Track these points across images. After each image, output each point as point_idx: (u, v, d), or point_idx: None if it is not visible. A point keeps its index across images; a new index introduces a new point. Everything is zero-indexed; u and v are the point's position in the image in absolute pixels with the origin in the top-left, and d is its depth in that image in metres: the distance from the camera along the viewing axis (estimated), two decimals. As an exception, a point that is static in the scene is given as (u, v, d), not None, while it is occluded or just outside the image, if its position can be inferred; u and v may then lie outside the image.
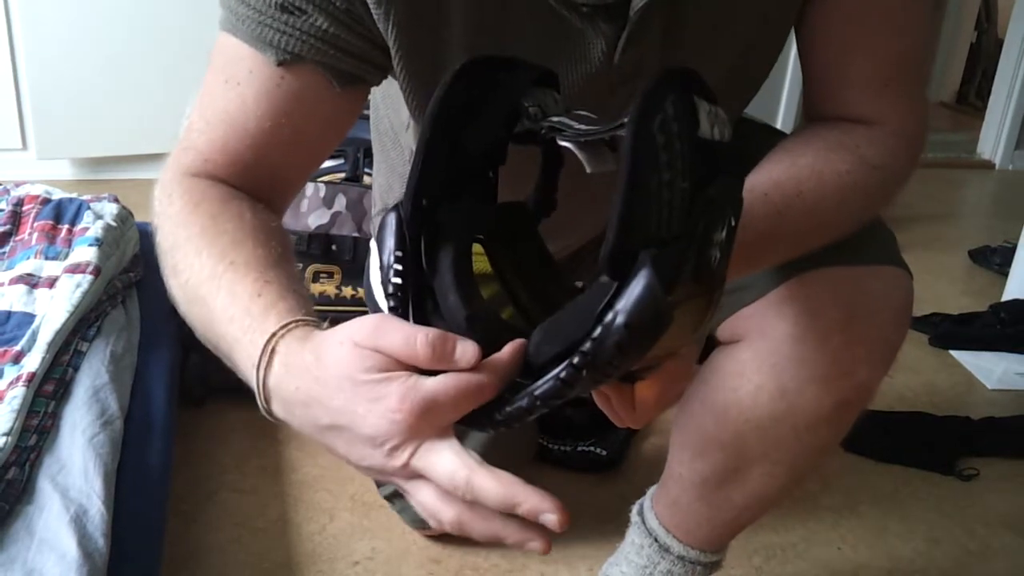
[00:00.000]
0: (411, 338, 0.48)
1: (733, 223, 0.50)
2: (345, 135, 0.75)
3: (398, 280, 0.53)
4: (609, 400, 0.57)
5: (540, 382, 0.47)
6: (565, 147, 0.54)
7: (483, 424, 0.49)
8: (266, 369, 0.54)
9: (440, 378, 0.47)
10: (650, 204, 0.44)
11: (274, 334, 0.54)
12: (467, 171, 0.57)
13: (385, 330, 0.49)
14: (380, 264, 0.54)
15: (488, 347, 0.51)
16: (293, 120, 0.68)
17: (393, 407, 0.47)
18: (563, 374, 0.45)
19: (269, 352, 0.54)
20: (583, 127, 0.52)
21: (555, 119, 0.54)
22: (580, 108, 0.56)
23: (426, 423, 0.47)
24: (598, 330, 0.44)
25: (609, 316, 0.44)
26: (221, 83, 0.68)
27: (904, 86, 0.75)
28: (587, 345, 0.44)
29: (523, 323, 0.57)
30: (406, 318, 0.53)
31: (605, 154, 0.52)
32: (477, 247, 0.57)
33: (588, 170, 0.53)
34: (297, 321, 0.55)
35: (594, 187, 0.57)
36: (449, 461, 0.47)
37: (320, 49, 0.66)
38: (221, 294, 0.59)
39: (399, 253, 0.53)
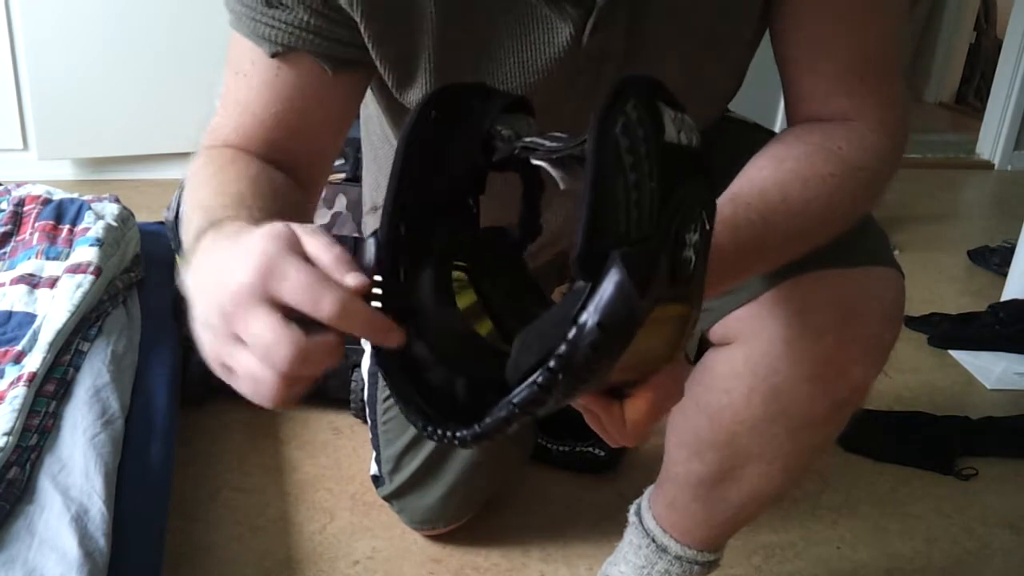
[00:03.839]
0: (327, 246, 0.48)
1: (708, 226, 0.50)
2: (354, 115, 0.80)
3: (377, 304, 0.53)
4: (599, 420, 0.56)
5: (517, 390, 0.46)
6: (540, 166, 0.54)
7: (464, 440, 0.49)
8: (191, 258, 0.55)
9: (304, 262, 0.47)
10: (617, 204, 0.44)
11: (204, 229, 0.56)
12: (447, 199, 0.57)
13: (311, 232, 0.48)
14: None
15: (473, 367, 0.51)
16: (296, 105, 0.73)
17: (254, 252, 0.47)
18: (540, 379, 0.45)
19: (195, 241, 0.55)
20: (553, 144, 0.52)
21: (527, 140, 0.54)
22: (552, 125, 0.56)
23: (265, 284, 0.46)
24: (572, 332, 0.44)
25: (583, 317, 0.44)
26: (233, 75, 0.74)
27: (879, 79, 0.75)
28: (562, 348, 0.44)
29: (506, 345, 0.57)
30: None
31: (578, 170, 0.52)
32: (460, 274, 0.58)
33: (562, 187, 0.53)
34: (231, 217, 0.56)
35: (569, 196, 0.57)
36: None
37: (307, 39, 0.70)
38: (187, 212, 0.62)
39: (378, 278, 0.53)
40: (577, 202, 0.44)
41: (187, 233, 0.60)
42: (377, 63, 0.73)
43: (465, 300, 0.58)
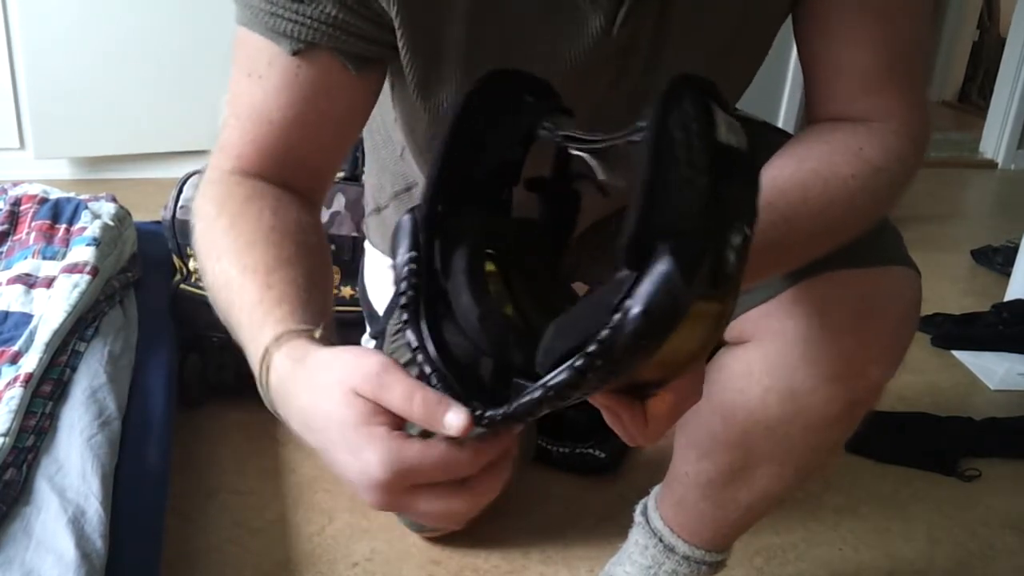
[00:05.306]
0: (409, 396, 0.49)
1: (748, 233, 0.50)
2: (367, 117, 0.77)
3: (412, 280, 0.54)
4: (620, 419, 0.57)
5: (554, 372, 0.46)
6: (578, 156, 0.55)
7: (493, 419, 0.49)
8: (266, 380, 0.56)
9: (423, 448, 0.49)
10: (669, 195, 0.44)
11: (267, 348, 0.56)
12: (483, 184, 0.58)
13: (386, 384, 0.49)
14: (394, 265, 0.55)
15: (497, 346, 0.51)
16: (315, 107, 0.70)
17: (373, 468, 0.48)
18: (578, 363, 0.45)
19: (266, 367, 0.56)
20: (596, 136, 0.53)
21: (569, 132, 0.55)
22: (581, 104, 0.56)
23: (402, 484, 0.49)
24: (615, 318, 0.44)
25: (628, 303, 0.44)
26: (244, 77, 0.70)
27: (904, 82, 0.75)
28: (604, 333, 0.44)
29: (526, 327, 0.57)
30: (418, 318, 0.54)
31: (617, 162, 0.53)
32: (490, 266, 0.58)
33: (600, 178, 0.54)
34: (289, 332, 0.57)
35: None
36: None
37: (332, 35, 0.67)
38: (233, 299, 0.62)
39: (413, 254, 0.54)
40: (629, 193, 0.44)
41: (230, 316, 0.62)
42: (404, 59, 0.71)
43: (494, 292, 0.58)
